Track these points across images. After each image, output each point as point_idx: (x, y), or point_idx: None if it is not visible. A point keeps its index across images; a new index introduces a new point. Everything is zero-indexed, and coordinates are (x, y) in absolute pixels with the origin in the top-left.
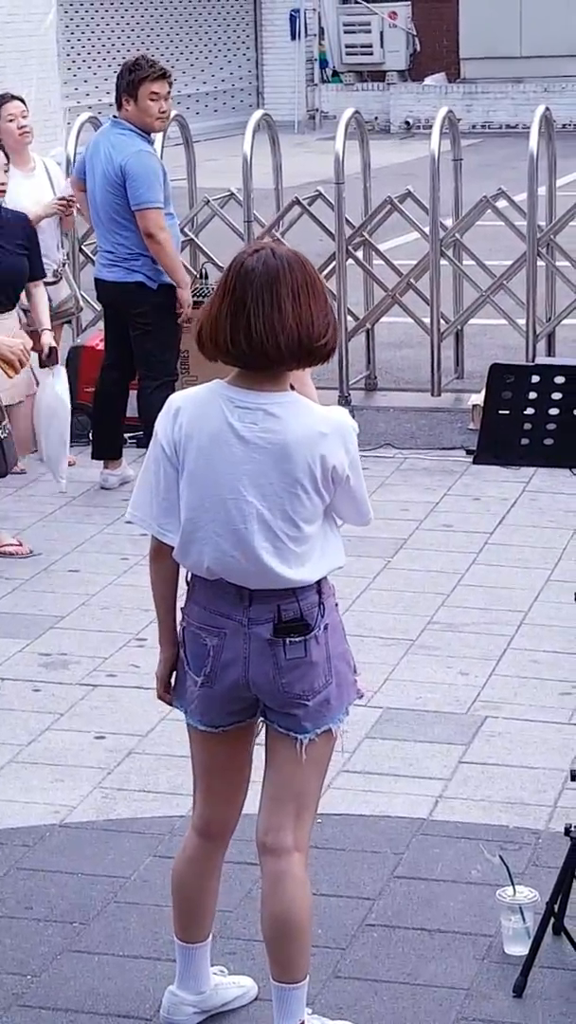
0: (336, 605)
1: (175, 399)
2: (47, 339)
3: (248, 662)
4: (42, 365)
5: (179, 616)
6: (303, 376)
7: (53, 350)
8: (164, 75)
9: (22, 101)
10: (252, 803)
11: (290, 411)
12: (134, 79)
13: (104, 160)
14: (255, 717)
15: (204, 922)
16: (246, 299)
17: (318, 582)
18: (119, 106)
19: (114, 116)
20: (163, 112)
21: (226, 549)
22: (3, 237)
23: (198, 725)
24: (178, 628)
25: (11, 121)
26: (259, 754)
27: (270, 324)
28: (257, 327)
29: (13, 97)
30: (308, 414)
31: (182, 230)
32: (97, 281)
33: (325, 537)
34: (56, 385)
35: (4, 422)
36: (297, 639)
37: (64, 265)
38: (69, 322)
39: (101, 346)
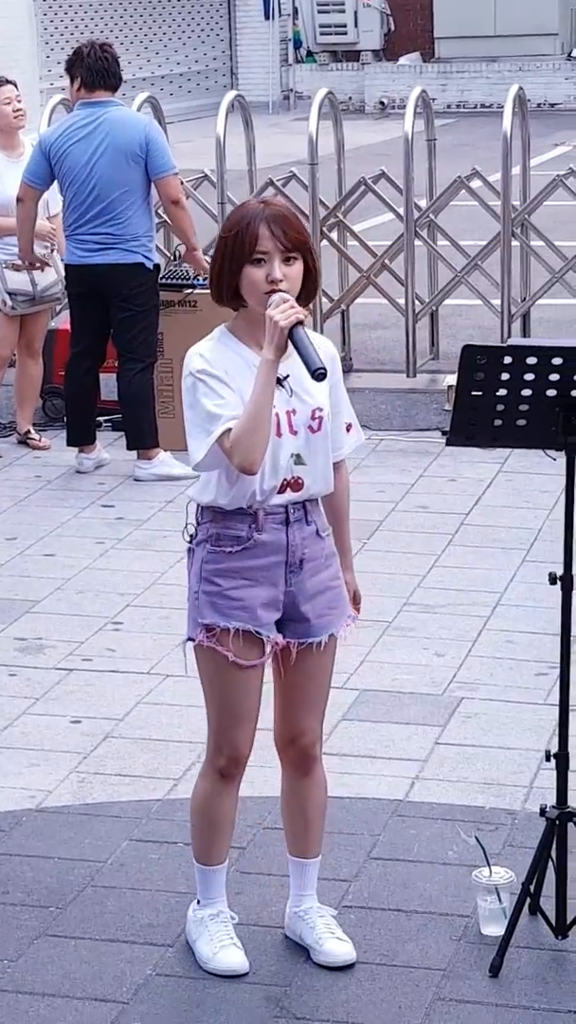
0: (206, 547)
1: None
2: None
3: None
4: None
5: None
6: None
7: None
8: None
9: (15, 85)
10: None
11: None
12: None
13: (113, 137)
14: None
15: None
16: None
17: (200, 511)
18: (113, 90)
19: (91, 100)
20: None
21: None
22: None
23: None
24: None
25: (7, 104)
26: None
27: None
28: None
29: (7, 81)
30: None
31: (156, 212)
32: (79, 267)
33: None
34: None
35: None
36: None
37: (53, 251)
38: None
39: None
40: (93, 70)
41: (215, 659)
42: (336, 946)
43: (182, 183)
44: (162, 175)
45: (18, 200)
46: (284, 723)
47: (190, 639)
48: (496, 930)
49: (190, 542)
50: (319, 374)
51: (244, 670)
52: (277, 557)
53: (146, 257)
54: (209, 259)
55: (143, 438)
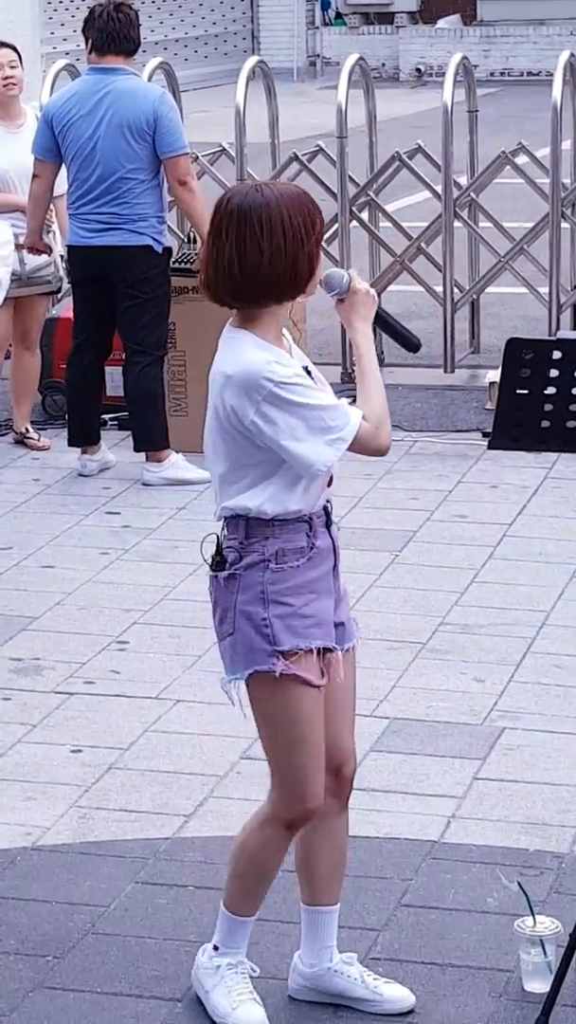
0: (267, 567)
1: None
2: None
3: None
4: None
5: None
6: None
7: None
8: None
9: (14, 49)
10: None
11: (226, 345)
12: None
13: (118, 110)
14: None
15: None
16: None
17: (248, 529)
18: (127, 55)
19: (100, 65)
20: None
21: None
22: None
23: None
24: None
25: None
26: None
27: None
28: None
29: (3, 44)
30: (233, 351)
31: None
32: (82, 249)
33: (258, 480)
34: None
35: None
36: (213, 572)
37: (50, 232)
38: (51, 294)
39: None
40: (104, 32)
41: (296, 689)
42: (397, 991)
43: (196, 158)
44: (170, 154)
45: (33, 177)
46: (327, 750)
47: (258, 671)
48: (540, 986)
49: (230, 566)
50: (420, 347)
51: (320, 695)
52: (330, 563)
53: (155, 239)
54: None
55: (152, 438)
